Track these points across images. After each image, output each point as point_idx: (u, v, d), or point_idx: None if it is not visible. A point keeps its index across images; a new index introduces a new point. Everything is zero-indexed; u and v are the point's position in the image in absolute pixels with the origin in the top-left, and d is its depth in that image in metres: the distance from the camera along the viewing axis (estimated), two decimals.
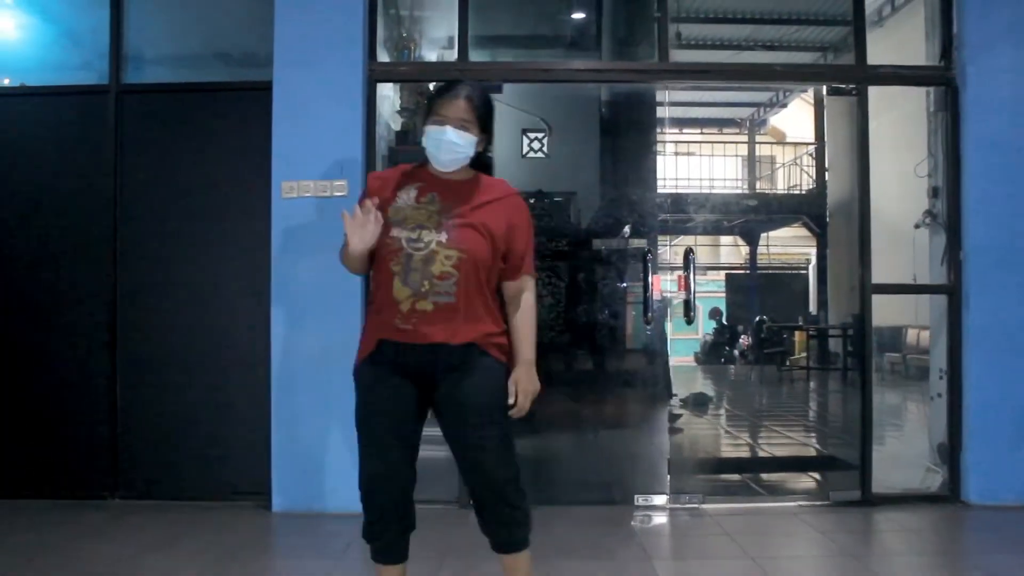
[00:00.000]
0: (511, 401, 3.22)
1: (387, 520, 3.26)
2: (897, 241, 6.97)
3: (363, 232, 3.12)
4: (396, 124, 6.89)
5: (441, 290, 3.13)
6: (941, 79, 6.04)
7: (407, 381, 3.21)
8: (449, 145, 3.19)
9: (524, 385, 3.24)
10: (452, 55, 6.34)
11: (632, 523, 5.49)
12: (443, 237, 3.15)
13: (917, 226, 6.41)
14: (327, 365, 5.46)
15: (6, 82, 6.47)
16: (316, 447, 5.59)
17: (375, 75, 5.93)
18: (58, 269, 6.06)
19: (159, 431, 5.97)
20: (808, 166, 17.93)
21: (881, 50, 6.38)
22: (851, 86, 6.07)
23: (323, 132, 5.65)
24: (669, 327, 6.99)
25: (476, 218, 3.21)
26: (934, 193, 6.20)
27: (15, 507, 5.71)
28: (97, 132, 6.05)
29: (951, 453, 5.93)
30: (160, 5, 6.38)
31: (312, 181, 5.60)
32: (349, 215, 3.14)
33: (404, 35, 6.78)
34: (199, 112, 6.07)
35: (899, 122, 7.06)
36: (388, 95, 6.67)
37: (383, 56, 6.24)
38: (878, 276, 6.02)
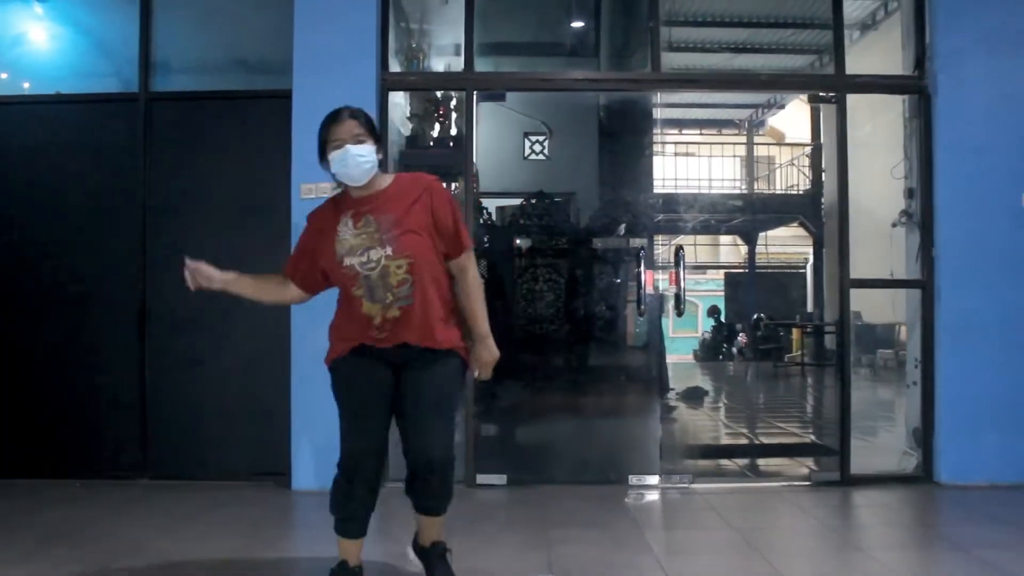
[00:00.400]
0: (476, 374, 3.77)
1: (362, 495, 3.67)
2: (880, 239, 7.36)
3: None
4: (406, 130, 7.29)
5: (402, 295, 3.52)
6: (915, 87, 6.45)
7: (382, 366, 3.65)
8: (355, 160, 3.53)
9: (484, 359, 3.72)
10: (458, 63, 6.73)
11: (626, 500, 5.91)
12: (388, 251, 3.51)
13: (894, 225, 6.81)
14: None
15: (25, 85, 6.88)
16: (331, 431, 5.98)
17: (387, 84, 6.35)
18: (91, 266, 6.49)
19: (186, 416, 6.40)
20: (805, 167, 18.15)
21: (873, 54, 6.72)
22: (831, 94, 6.49)
23: None
24: (669, 324, 7.38)
25: (409, 222, 3.56)
26: (909, 194, 6.60)
27: (51, 486, 6.12)
28: (127, 137, 6.48)
29: (924, 437, 6.34)
30: (186, 17, 6.76)
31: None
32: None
33: (413, 46, 7.18)
34: (223, 118, 6.49)
35: (886, 127, 7.45)
36: (399, 102, 7.08)
37: (394, 66, 6.65)
38: (865, 272, 6.43)
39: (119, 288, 6.46)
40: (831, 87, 6.50)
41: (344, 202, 3.68)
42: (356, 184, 3.60)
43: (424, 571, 3.88)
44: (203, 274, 3.81)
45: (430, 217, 3.61)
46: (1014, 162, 6.20)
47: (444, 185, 3.80)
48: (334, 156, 3.55)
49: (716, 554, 4.74)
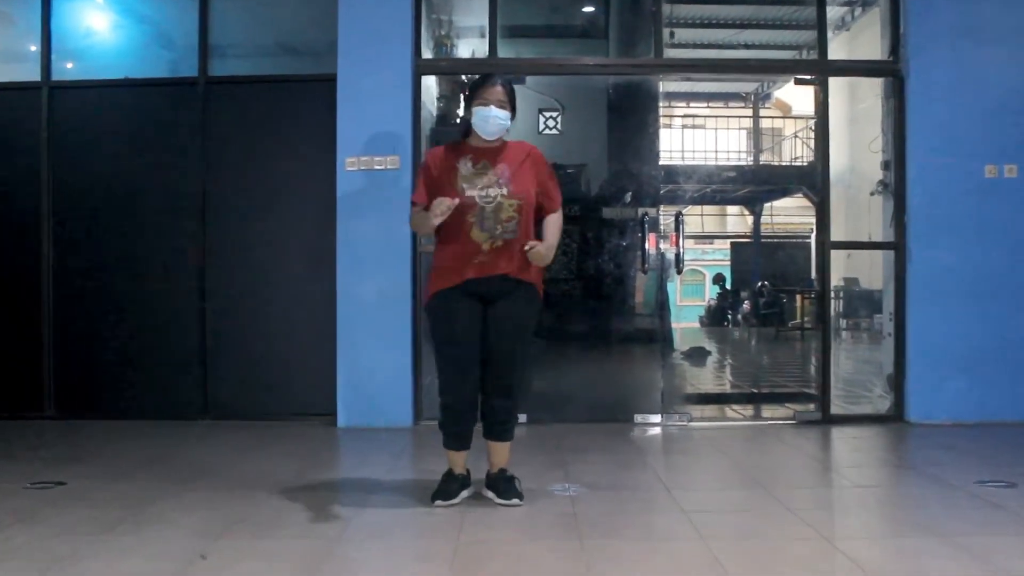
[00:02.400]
0: (530, 246, 4.22)
1: (465, 413, 4.38)
2: (857, 205, 8.10)
3: (446, 212, 4.12)
4: (435, 109, 8.03)
5: (509, 229, 4.20)
6: (890, 71, 7.18)
7: (476, 302, 4.33)
8: (495, 120, 4.27)
9: (541, 249, 4.22)
10: (480, 47, 7.46)
11: (631, 433, 6.74)
12: (504, 191, 4.22)
13: (872, 193, 7.58)
14: (382, 307, 6.77)
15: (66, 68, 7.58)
16: (373, 374, 6.79)
17: (420, 69, 7.10)
18: (158, 235, 7.27)
19: (242, 362, 7.22)
20: (809, 139, 18.58)
21: (859, 43, 7.39)
22: (814, 77, 7.24)
23: (379, 116, 6.83)
24: (677, 293, 8.05)
25: (522, 174, 4.29)
26: (885, 166, 7.36)
27: (125, 426, 6.94)
28: (188, 118, 7.24)
29: (896, 381, 7.12)
30: (240, 5, 7.52)
31: (370, 156, 6.78)
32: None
33: (442, 33, 7.93)
34: (275, 100, 7.24)
35: (875, 106, 8.17)
36: (430, 85, 7.81)
37: (426, 53, 7.39)
38: (849, 236, 7.15)
39: (182, 251, 7.24)
40: (815, 71, 7.26)
41: (461, 148, 4.40)
42: (488, 138, 4.32)
43: (494, 496, 4.51)
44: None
45: (537, 177, 4.36)
46: (977, 137, 6.92)
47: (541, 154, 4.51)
48: (478, 111, 4.28)
49: (708, 472, 5.60)
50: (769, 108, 21.35)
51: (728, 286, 20.71)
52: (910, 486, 5.12)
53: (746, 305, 19.13)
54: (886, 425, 6.98)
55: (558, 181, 4.55)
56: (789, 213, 22.91)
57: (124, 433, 6.66)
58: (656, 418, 7.10)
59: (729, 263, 23.03)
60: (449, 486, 4.51)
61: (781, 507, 4.43)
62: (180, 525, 4.14)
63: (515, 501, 4.44)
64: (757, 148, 21.14)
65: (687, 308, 22.53)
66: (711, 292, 23.03)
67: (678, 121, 19.24)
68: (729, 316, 19.96)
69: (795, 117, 20.50)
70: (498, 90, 4.32)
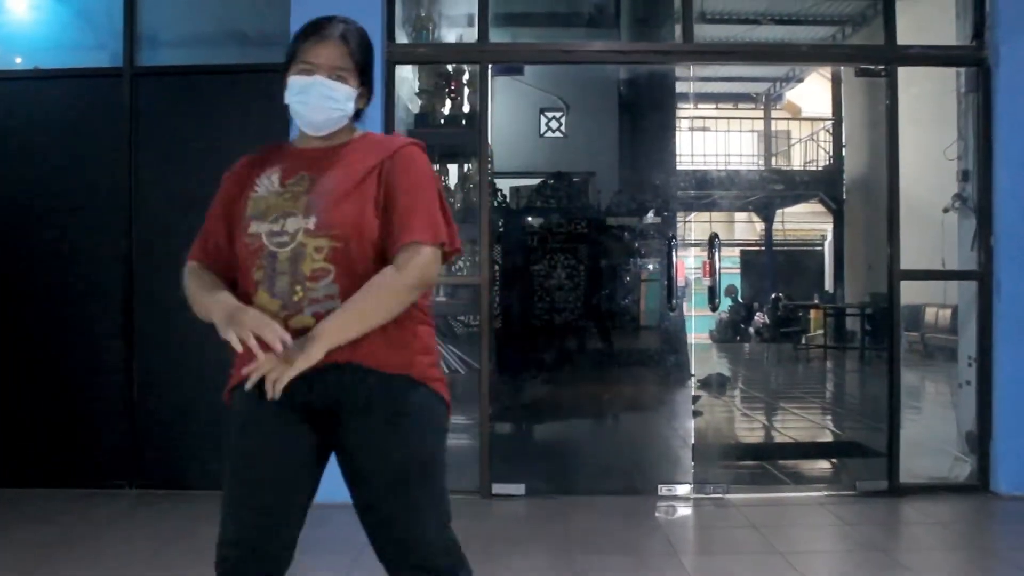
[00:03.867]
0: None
1: None
2: (923, 225, 6.88)
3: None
4: (414, 107, 6.82)
5: (319, 293, 2.29)
6: (973, 59, 5.95)
7: (298, 418, 2.35)
8: (320, 99, 2.41)
9: (309, 345, 2.19)
10: (470, 34, 6.26)
11: (656, 515, 5.44)
12: (311, 222, 2.31)
13: (946, 210, 6.33)
14: None
15: (17, 61, 6.45)
16: None
17: (393, 57, 5.85)
18: (73, 254, 6.07)
19: (178, 418, 5.96)
20: (825, 142, 17.86)
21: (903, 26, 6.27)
22: (880, 67, 5.96)
23: None
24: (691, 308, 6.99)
25: (360, 191, 2.36)
26: (964, 176, 6.13)
27: (41, 496, 5.77)
28: (112, 114, 6.02)
29: (980, 442, 5.88)
30: None
31: None
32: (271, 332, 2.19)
33: (422, 15, 6.69)
34: (215, 94, 6.03)
35: (920, 100, 6.99)
36: (407, 77, 6.60)
37: (401, 38, 6.19)
38: (907, 261, 5.95)
39: (103, 279, 6.03)
40: (881, 59, 5.96)
41: (280, 153, 2.56)
42: (314, 132, 2.48)
43: None
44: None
45: (387, 189, 2.38)
46: None
47: (425, 156, 2.50)
48: (294, 83, 2.42)
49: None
50: (780, 109, 20.70)
51: (740, 299, 19.80)
52: None
53: (758, 318, 18.31)
54: (970, 498, 5.73)
55: (442, 203, 2.43)
56: (800, 219, 22.12)
57: (28, 508, 5.48)
58: (684, 489, 5.81)
59: (739, 273, 22.24)
60: None
61: None
62: None
63: None
64: (769, 151, 20.52)
65: (697, 319, 21.53)
66: (722, 305, 22.05)
67: (686, 123, 18.33)
68: (742, 331, 19.10)
69: (809, 119, 19.78)
70: (333, 49, 2.41)
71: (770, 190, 17.20)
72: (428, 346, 2.43)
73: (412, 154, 2.44)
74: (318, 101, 2.39)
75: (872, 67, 6.01)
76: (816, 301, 16.62)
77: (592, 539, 4.87)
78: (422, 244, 2.30)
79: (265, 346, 2.16)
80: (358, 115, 2.53)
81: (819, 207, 17.52)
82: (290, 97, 2.42)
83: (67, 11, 6.46)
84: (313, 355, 2.17)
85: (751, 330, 18.84)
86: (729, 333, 19.66)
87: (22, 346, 6.07)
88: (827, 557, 4.76)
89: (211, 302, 2.37)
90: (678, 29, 6.08)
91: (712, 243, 6.13)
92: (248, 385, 2.17)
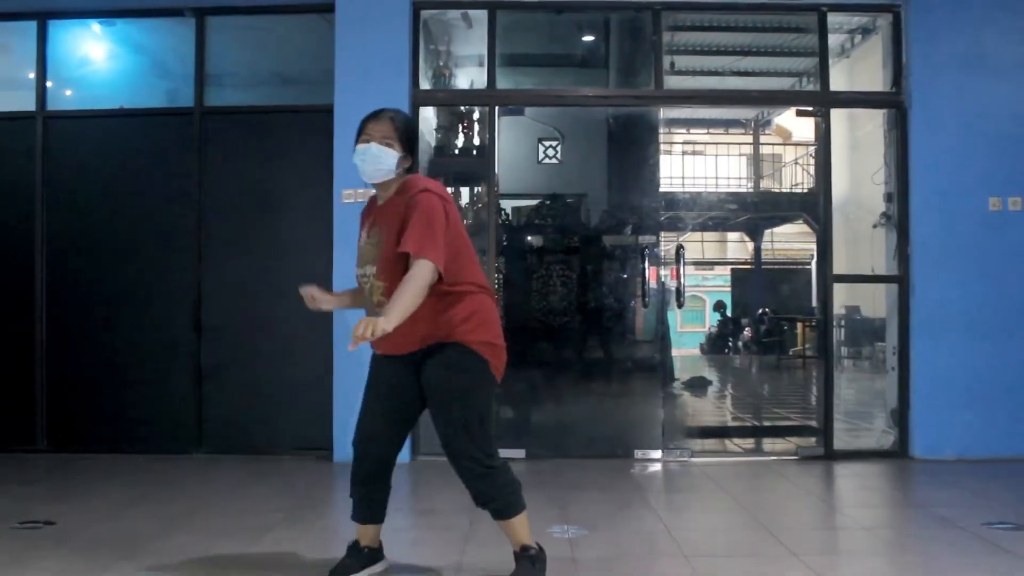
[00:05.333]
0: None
1: (365, 472, 3.85)
2: (859, 238, 8.01)
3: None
4: (433, 140, 7.99)
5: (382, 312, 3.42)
6: (892, 102, 7.14)
7: (406, 367, 3.71)
8: (373, 159, 3.60)
9: (365, 325, 3.22)
10: (479, 76, 7.43)
11: (631, 470, 6.64)
12: (374, 269, 3.63)
13: (875, 226, 7.50)
14: None
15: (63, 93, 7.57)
16: None
17: (418, 100, 7.06)
18: (152, 266, 7.22)
19: (237, 396, 7.13)
20: (810, 166, 18.54)
21: (860, 70, 7.31)
22: (816, 108, 7.18)
23: None
24: (677, 320, 7.98)
25: (392, 244, 3.55)
26: (888, 198, 7.28)
27: (118, 460, 6.86)
28: (184, 148, 7.19)
29: (901, 416, 7.03)
30: (236, 37, 7.49)
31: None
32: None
33: (440, 64, 7.88)
34: (271, 130, 7.20)
35: (876, 133, 8.11)
36: (428, 116, 7.78)
37: (424, 83, 7.34)
38: (850, 268, 7.06)
39: (177, 287, 7.18)
40: (817, 102, 7.20)
41: (371, 208, 3.84)
42: (368, 180, 3.72)
43: None
44: (317, 299, 3.93)
45: (403, 224, 3.56)
46: (981, 169, 6.88)
47: (434, 194, 3.61)
48: (357, 149, 3.65)
49: (710, 513, 5.47)
50: (769, 134, 21.31)
51: (729, 313, 20.61)
52: (917, 527, 5.00)
53: (747, 332, 19.03)
54: (890, 461, 6.89)
55: (431, 228, 3.51)
56: (790, 240, 22.87)
57: (117, 468, 6.58)
58: (656, 454, 7.02)
59: (729, 290, 22.96)
60: (349, 561, 3.95)
61: (786, 551, 4.33)
62: (173, 569, 4.04)
63: None
64: (757, 174, 21.09)
65: (687, 335, 22.37)
66: (711, 319, 22.90)
67: (678, 148, 19.18)
68: (730, 344, 19.87)
69: (795, 144, 20.50)
70: (384, 125, 3.67)
71: (756, 211, 18.10)
72: (467, 316, 3.64)
73: (422, 199, 3.55)
74: (371, 160, 3.63)
75: (809, 109, 7.24)
76: (800, 316, 17.30)
77: (578, 484, 6.03)
78: (417, 255, 3.43)
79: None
80: (409, 171, 3.74)
81: (807, 228, 18.28)
82: (355, 160, 3.68)
83: (147, 59, 7.62)
84: (382, 322, 3.27)
85: (739, 343, 19.68)
86: (717, 346, 20.55)
87: (110, 339, 7.22)
88: (765, 495, 5.95)
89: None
90: (653, 65, 7.23)
91: (678, 253, 7.29)
92: (350, 348, 3.37)
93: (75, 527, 4.80)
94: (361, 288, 3.76)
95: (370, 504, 3.92)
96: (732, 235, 26.86)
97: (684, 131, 20.06)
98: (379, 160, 3.62)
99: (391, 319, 3.27)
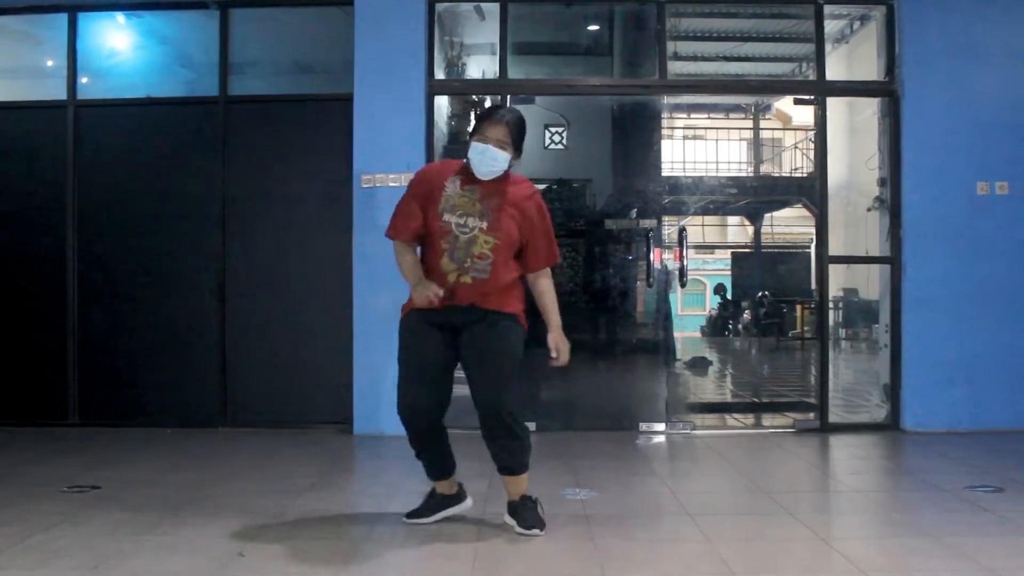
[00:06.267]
0: (553, 355, 4.16)
1: (423, 432, 4.13)
2: (854, 221, 8.32)
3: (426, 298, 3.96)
4: (447, 128, 8.29)
5: (480, 267, 3.93)
6: (885, 91, 7.45)
7: (445, 329, 4.06)
8: (490, 161, 3.96)
9: (559, 344, 4.15)
10: (490, 66, 7.72)
11: (636, 441, 7.00)
12: (484, 224, 3.94)
13: (869, 209, 7.82)
14: (398, 318, 6.90)
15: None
16: (389, 383, 6.95)
17: (434, 89, 7.36)
18: (178, 248, 7.52)
19: (261, 372, 7.44)
20: (809, 150, 18.71)
21: (858, 56, 7.58)
22: (812, 97, 7.50)
23: (393, 135, 7.07)
24: (678, 303, 8.25)
25: (511, 212, 4.00)
26: (882, 183, 7.61)
27: (147, 433, 7.18)
28: (209, 135, 7.50)
29: (892, 391, 7.38)
30: (259, 28, 7.77)
31: (385, 174, 7.03)
32: (431, 294, 3.92)
33: (454, 54, 8.19)
34: (293, 118, 7.50)
35: (859, 122, 8.42)
36: (442, 104, 8.07)
37: (439, 73, 7.64)
38: (846, 250, 7.37)
39: (203, 266, 7.47)
40: (813, 91, 7.52)
41: (460, 168, 4.10)
42: (482, 178, 4.00)
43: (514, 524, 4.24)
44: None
45: (528, 223, 4.05)
46: (970, 155, 7.19)
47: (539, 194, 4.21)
48: (475, 146, 3.97)
49: (711, 478, 5.85)
50: (769, 119, 21.47)
51: (729, 296, 20.84)
52: (904, 491, 5.38)
53: (747, 315, 19.25)
54: (883, 433, 7.23)
55: (556, 241, 4.24)
56: (790, 224, 23.08)
57: (147, 440, 6.90)
58: (660, 427, 7.36)
59: (730, 273, 23.17)
60: (427, 503, 4.42)
61: (782, 510, 4.68)
62: (214, 526, 4.37)
63: (535, 532, 4.17)
64: (758, 159, 21.24)
65: (689, 318, 22.60)
66: (712, 302, 23.16)
67: (679, 132, 19.37)
68: (730, 326, 20.11)
69: (795, 128, 20.69)
70: (501, 129, 4.00)
71: (758, 195, 18.29)
72: (519, 296, 4.18)
73: (542, 203, 4.16)
74: (488, 162, 3.98)
75: (806, 97, 7.56)
76: (799, 298, 17.51)
77: (585, 452, 6.38)
78: (546, 268, 4.21)
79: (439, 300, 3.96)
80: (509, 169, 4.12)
81: (806, 211, 18.48)
82: (471, 155, 4.00)
83: (172, 49, 7.91)
84: (565, 338, 4.24)
85: (739, 325, 19.93)
86: (718, 328, 20.81)
87: (138, 320, 7.54)
88: (766, 465, 6.29)
89: (412, 274, 4.09)
90: (657, 55, 7.50)
91: (680, 234, 7.61)
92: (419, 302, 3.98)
93: (119, 491, 5.14)
94: (442, 236, 3.98)
95: (438, 461, 4.31)
96: (732, 219, 27.03)
97: (685, 116, 20.27)
98: (495, 162, 3.99)
99: (558, 325, 4.21)
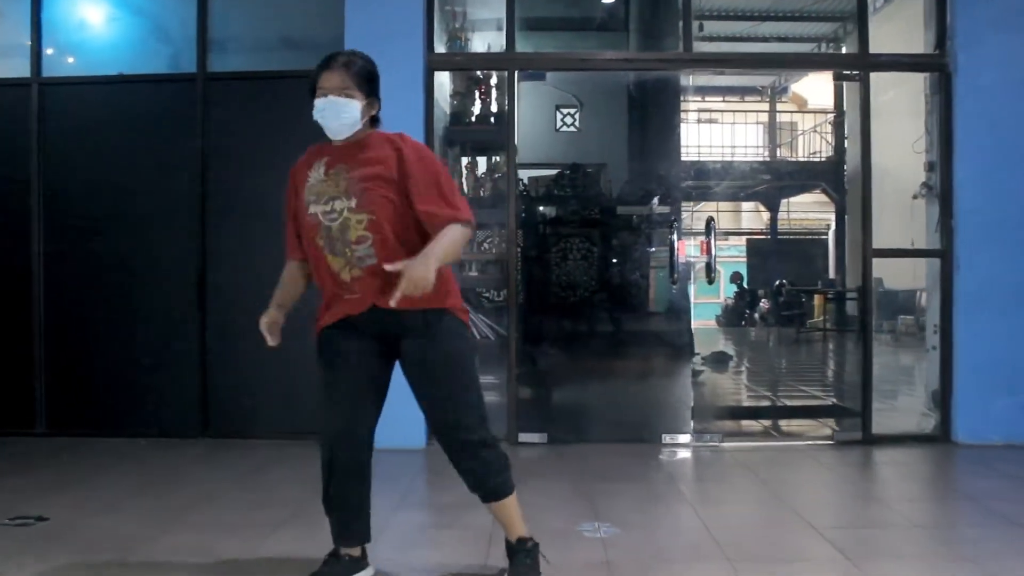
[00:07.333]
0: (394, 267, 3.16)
1: (340, 490, 3.46)
2: (897, 210, 7.63)
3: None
4: (448, 107, 7.61)
5: (360, 253, 3.27)
6: (936, 66, 6.73)
7: (368, 340, 3.41)
8: (336, 114, 3.29)
9: (409, 271, 3.09)
10: (496, 40, 7.06)
11: (659, 456, 6.30)
12: (352, 203, 3.26)
13: (915, 197, 7.13)
14: None
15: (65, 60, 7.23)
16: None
17: (433, 64, 6.68)
18: (153, 240, 6.90)
19: (243, 378, 6.79)
20: (828, 134, 18.25)
21: (884, 33, 6.95)
22: (855, 72, 6.77)
23: (390, 114, 6.27)
24: (692, 290, 7.69)
25: (380, 173, 3.29)
26: (930, 167, 6.91)
27: (119, 445, 6.55)
28: (186, 114, 6.85)
29: (942, 399, 6.67)
30: None
31: None
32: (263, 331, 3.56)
33: (456, 26, 7.49)
34: (277, 96, 6.80)
35: (905, 97, 7.70)
36: (443, 82, 7.41)
37: (439, 47, 6.98)
38: (888, 242, 6.72)
39: (179, 259, 6.86)
40: (855, 65, 6.80)
41: (323, 150, 3.46)
42: (335, 137, 3.37)
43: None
44: (274, 325, 3.63)
45: (402, 176, 3.30)
46: None
47: (418, 141, 3.52)
48: (316, 105, 3.33)
49: (748, 506, 5.10)
50: (785, 102, 20.99)
51: (745, 285, 20.31)
52: (974, 526, 4.61)
53: (763, 304, 18.77)
54: (932, 446, 6.55)
55: (453, 184, 3.45)
56: (806, 209, 22.55)
57: (118, 453, 6.30)
58: (685, 438, 6.68)
59: (745, 260, 22.68)
60: (328, 569, 3.55)
61: (837, 554, 3.98)
62: (174, 571, 3.75)
63: None
64: (774, 143, 20.80)
65: (701, 306, 22.05)
66: (727, 291, 22.58)
67: (693, 116, 18.81)
68: (747, 316, 19.61)
69: (813, 111, 20.18)
70: (338, 75, 3.31)
71: (774, 180, 17.71)
72: (451, 281, 3.45)
73: (416, 147, 3.41)
74: (332, 114, 3.31)
75: (848, 72, 6.84)
76: (820, 287, 17.03)
77: (604, 472, 5.71)
78: (454, 220, 3.31)
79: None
80: (375, 120, 3.46)
81: (824, 197, 17.98)
82: (316, 117, 3.34)
83: (147, 22, 7.21)
84: (426, 274, 3.08)
85: (756, 315, 19.40)
86: (734, 318, 20.27)
87: (111, 316, 6.92)
88: (803, 486, 5.62)
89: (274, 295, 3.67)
90: (681, 27, 6.77)
91: (708, 226, 6.93)
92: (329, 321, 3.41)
93: (69, 524, 4.50)
94: (314, 231, 3.35)
95: (354, 517, 3.55)
96: (746, 205, 26.56)
97: (699, 99, 19.71)
98: (343, 113, 3.31)
99: (431, 261, 3.12)
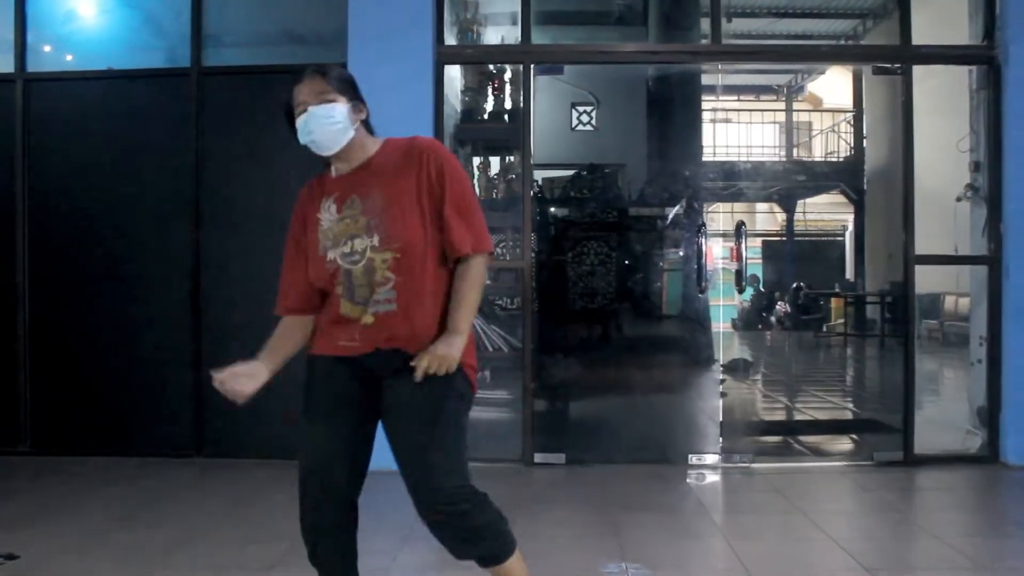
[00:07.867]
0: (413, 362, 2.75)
1: (329, 530, 2.92)
2: (937, 213, 7.17)
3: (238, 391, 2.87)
4: (460, 104, 7.18)
5: (380, 297, 2.80)
6: (984, 58, 6.28)
7: (356, 384, 2.88)
8: (319, 123, 2.82)
9: (437, 349, 2.75)
10: (510, 34, 6.65)
11: (688, 480, 5.85)
12: (375, 240, 2.79)
13: (959, 199, 6.66)
14: None
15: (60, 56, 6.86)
16: None
17: (443, 57, 6.26)
18: (145, 243, 6.52)
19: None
20: (846, 133, 17.93)
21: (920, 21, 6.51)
22: (896, 65, 6.31)
23: (396, 111, 5.84)
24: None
25: (400, 197, 2.83)
26: (975, 167, 6.45)
27: (107, 465, 6.17)
28: (180, 111, 6.47)
29: (990, 416, 6.21)
30: None
31: None
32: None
33: (468, 17, 7.06)
34: (276, 92, 6.35)
35: (936, 95, 7.25)
36: (455, 76, 6.98)
37: (449, 39, 6.56)
38: (921, 247, 6.28)
39: (173, 264, 6.49)
40: (897, 58, 6.32)
41: (327, 183, 2.97)
42: (328, 152, 2.87)
43: None
44: (238, 379, 2.92)
45: (425, 190, 2.85)
46: None
47: (443, 145, 3.07)
48: (299, 123, 2.85)
49: (789, 541, 4.61)
50: (802, 101, 20.66)
51: (762, 287, 19.91)
52: None
53: (780, 307, 18.37)
54: (980, 467, 6.10)
55: (478, 207, 2.93)
56: (821, 210, 22.17)
57: (104, 476, 5.90)
58: (713, 459, 6.21)
59: (760, 262, 22.32)
60: None
61: None
62: None
63: None
64: (790, 142, 20.48)
65: (716, 308, 21.65)
66: (744, 294, 22.17)
67: (708, 115, 18.40)
68: (764, 319, 19.20)
69: (831, 110, 19.83)
70: (313, 83, 2.85)
71: (791, 181, 17.24)
72: (468, 339, 2.88)
73: (445, 153, 2.92)
74: (318, 126, 2.81)
75: (888, 65, 6.37)
76: (837, 290, 16.67)
77: (628, 500, 5.26)
78: (476, 252, 2.84)
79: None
80: (367, 126, 2.96)
81: (840, 198, 17.61)
82: (303, 139, 2.85)
83: (138, 15, 6.81)
84: (453, 347, 2.73)
85: (772, 318, 18.97)
86: (751, 321, 19.83)
87: (100, 325, 6.53)
88: (846, 516, 5.15)
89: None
90: (706, 25, 6.38)
91: (739, 230, 6.49)
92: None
93: (39, 564, 4.09)
94: (335, 276, 2.84)
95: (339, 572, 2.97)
96: (761, 206, 26.23)
97: (714, 98, 19.29)
98: (329, 119, 2.81)
99: (456, 342, 2.75)
